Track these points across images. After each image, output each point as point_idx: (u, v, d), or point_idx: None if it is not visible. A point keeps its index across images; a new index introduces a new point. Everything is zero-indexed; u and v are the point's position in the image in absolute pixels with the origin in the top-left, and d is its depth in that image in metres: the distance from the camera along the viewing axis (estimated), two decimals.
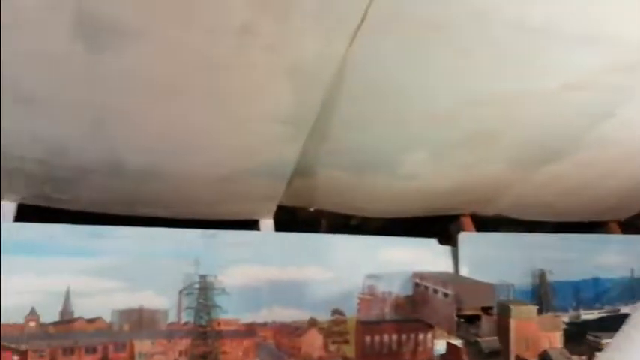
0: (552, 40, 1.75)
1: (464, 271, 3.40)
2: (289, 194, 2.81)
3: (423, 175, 2.73)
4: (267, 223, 3.08)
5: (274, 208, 2.97)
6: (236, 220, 3.04)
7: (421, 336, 3.26)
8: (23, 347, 2.36)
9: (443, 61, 1.74)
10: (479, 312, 2.57)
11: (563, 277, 3.74)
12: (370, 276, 3.23)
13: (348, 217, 3.48)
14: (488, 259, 3.50)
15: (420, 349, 3.19)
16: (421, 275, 3.12)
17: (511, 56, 1.78)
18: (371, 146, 2.39)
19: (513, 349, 2.46)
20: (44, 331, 2.40)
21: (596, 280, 3.41)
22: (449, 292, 2.70)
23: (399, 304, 3.26)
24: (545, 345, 2.57)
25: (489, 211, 3.59)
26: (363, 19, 1.50)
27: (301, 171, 2.52)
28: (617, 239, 3.92)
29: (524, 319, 2.56)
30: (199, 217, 2.88)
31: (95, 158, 2.16)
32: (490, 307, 2.57)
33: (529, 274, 3.64)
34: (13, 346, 2.34)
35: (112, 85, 1.67)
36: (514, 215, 3.72)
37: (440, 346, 3.17)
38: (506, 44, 1.70)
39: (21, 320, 2.39)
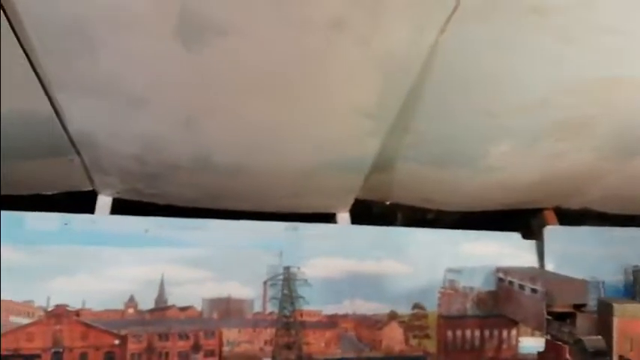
0: None
1: (549, 267, 3.27)
2: (366, 187, 2.80)
3: (507, 167, 2.63)
4: (344, 217, 3.08)
5: (352, 202, 2.96)
6: (313, 213, 3.07)
7: (505, 333, 3.17)
8: (123, 332, 2.50)
9: (541, 47, 1.66)
10: (570, 309, 2.45)
11: None
12: (451, 270, 3.18)
13: (424, 211, 3.44)
14: (575, 255, 3.36)
15: (504, 346, 3.09)
16: (505, 270, 3.02)
17: (613, 41, 1.67)
18: (454, 138, 2.33)
19: (616, 350, 2.31)
20: (141, 318, 2.53)
21: None
22: (538, 288, 2.60)
23: (481, 300, 3.19)
24: None
25: (575, 204, 3.45)
26: (457, 6, 1.45)
27: (380, 164, 2.50)
28: None
29: (629, 318, 2.40)
30: (279, 211, 2.92)
31: (185, 154, 2.24)
32: (583, 305, 2.45)
33: (621, 270, 3.42)
34: (114, 331, 2.47)
35: (206, 82, 1.72)
36: (601, 209, 3.57)
37: (525, 343, 3.08)
38: (610, 28, 1.59)
39: (121, 307, 2.54)
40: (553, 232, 3.34)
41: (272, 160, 2.32)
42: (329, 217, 3.10)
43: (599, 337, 2.32)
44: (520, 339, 3.21)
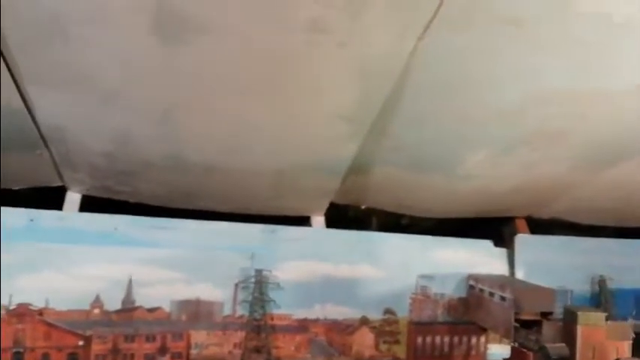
0: (633, 39, 1.66)
1: (520, 275, 3.30)
2: (342, 191, 2.79)
3: (482, 175, 2.65)
4: (318, 220, 3.06)
5: (327, 205, 2.95)
6: (287, 216, 3.05)
7: (474, 339, 3.20)
8: (88, 333, 2.44)
9: (517, 56, 1.69)
10: (538, 317, 2.49)
11: (624, 284, 3.58)
12: (423, 276, 3.18)
13: (398, 216, 3.44)
14: (545, 264, 3.39)
15: (473, 352, 3.12)
16: (476, 278, 3.06)
17: (588, 53, 1.70)
18: (432, 143, 2.34)
19: (579, 357, 2.36)
20: (108, 319, 2.47)
21: None
22: (507, 295, 2.64)
23: (451, 306, 3.21)
24: (612, 354, 2.46)
25: (546, 213, 3.48)
26: (436, 13, 1.46)
27: (357, 168, 2.49)
28: None
29: (592, 326, 2.45)
30: (253, 212, 2.89)
31: (158, 152, 2.21)
32: (550, 313, 2.49)
33: (588, 280, 3.50)
34: (79, 331, 2.41)
35: (182, 80, 1.70)
36: (571, 219, 3.60)
37: (493, 350, 3.11)
38: (585, 41, 1.63)
39: (86, 307, 2.48)
40: (524, 240, 3.38)
41: (246, 160, 2.29)
42: (303, 221, 3.10)
43: (563, 344, 2.36)
44: (488, 346, 3.24)
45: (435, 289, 3.20)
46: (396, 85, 1.79)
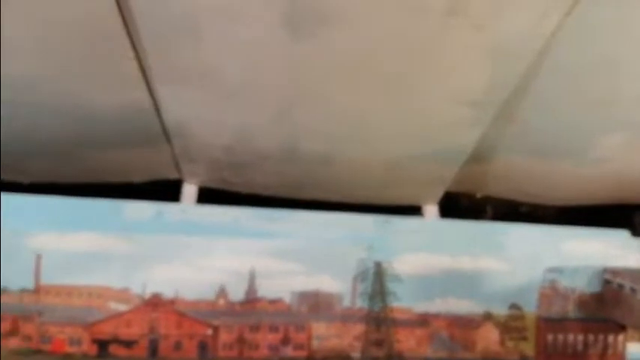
0: None
1: None
2: (457, 179, 2.77)
3: (617, 159, 2.53)
4: (431, 210, 3.04)
5: (441, 194, 2.92)
6: (398, 205, 3.06)
7: (611, 338, 3.04)
8: (215, 323, 2.61)
9: None
10: None
11: None
12: (552, 269, 3.08)
13: (516, 205, 3.34)
14: None
15: (610, 352, 2.94)
16: (614, 271, 2.88)
17: None
18: (562, 128, 2.24)
19: None
20: (232, 309, 2.63)
21: None
22: None
23: (583, 302, 3.09)
24: None
25: None
26: None
27: (477, 156, 2.44)
28: None
29: None
30: (364, 202, 2.92)
31: (275, 144, 2.28)
32: None
33: None
34: (207, 321, 2.59)
35: (304, 72, 1.74)
36: None
37: (634, 349, 2.91)
38: None
39: (212, 297, 2.65)
40: None
41: (362, 150, 2.31)
42: (415, 210, 3.09)
43: None
44: (628, 345, 3.12)
45: (565, 282, 3.10)
46: (531, 67, 1.72)
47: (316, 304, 2.77)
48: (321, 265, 2.79)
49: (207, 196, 2.84)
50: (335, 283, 2.87)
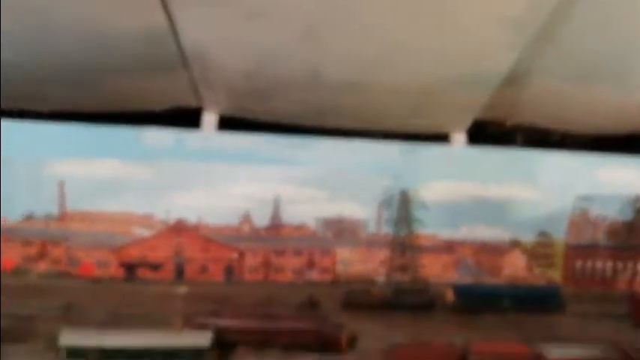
0: None
1: None
2: (487, 106, 2.68)
3: None
4: (459, 138, 2.96)
5: (470, 122, 2.83)
6: (424, 134, 3.01)
7: None
8: (241, 247, 2.68)
9: None
10: None
11: None
12: (583, 198, 3.12)
13: (547, 133, 3.17)
14: None
15: (638, 279, 2.94)
16: None
17: None
18: (604, 52, 2.13)
19: None
20: (257, 234, 2.69)
21: None
22: None
23: (614, 230, 3.11)
24: None
25: None
26: None
27: (511, 80, 2.34)
28: None
29: None
30: (389, 131, 2.88)
31: (298, 70, 2.23)
32: None
33: None
34: (231, 245, 2.66)
35: None
36: None
37: None
38: None
39: (236, 223, 2.69)
40: None
41: (389, 76, 2.24)
42: (442, 139, 3.02)
43: None
44: None
45: (596, 211, 3.01)
46: None
47: (341, 229, 2.81)
48: (345, 192, 2.82)
49: (228, 124, 2.82)
50: (360, 209, 2.94)
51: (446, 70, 2.19)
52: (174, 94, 2.66)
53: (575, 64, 2.25)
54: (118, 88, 2.52)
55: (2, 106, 2.54)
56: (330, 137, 2.83)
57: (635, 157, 3.09)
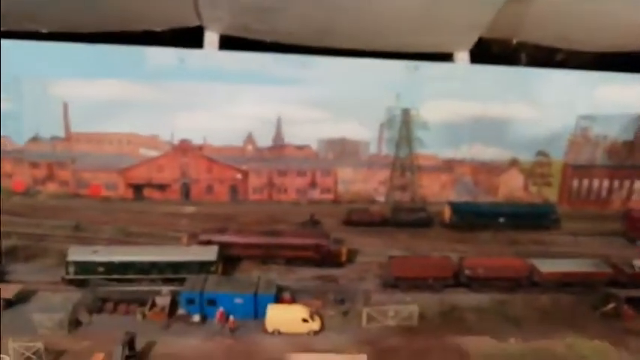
0: None
1: None
2: (493, 24, 2.89)
3: None
4: (462, 56, 3.28)
5: (475, 40, 2.99)
6: (428, 53, 3.70)
7: (637, 184, 2.90)
8: (245, 168, 3.02)
9: None
10: None
11: None
12: (584, 117, 2.67)
13: (552, 51, 3.23)
14: None
15: (634, 197, 2.84)
16: None
17: None
18: None
19: None
20: (260, 155, 2.39)
21: None
22: None
23: (614, 149, 2.53)
24: None
25: None
26: None
27: None
28: None
29: None
30: (393, 50, 3.06)
31: None
32: None
33: None
34: (235, 165, 3.13)
35: None
36: None
37: None
38: None
39: (240, 144, 2.85)
40: None
41: None
42: (445, 58, 3.49)
43: None
44: None
45: (596, 130, 2.65)
46: None
47: (342, 150, 1.99)
48: (348, 113, 2.31)
49: (230, 45, 2.87)
50: (362, 130, 2.32)
51: None
52: (175, 13, 2.75)
53: None
54: (119, 8, 2.53)
55: (3, 27, 2.82)
56: (333, 57, 2.91)
57: (637, 74, 3.15)
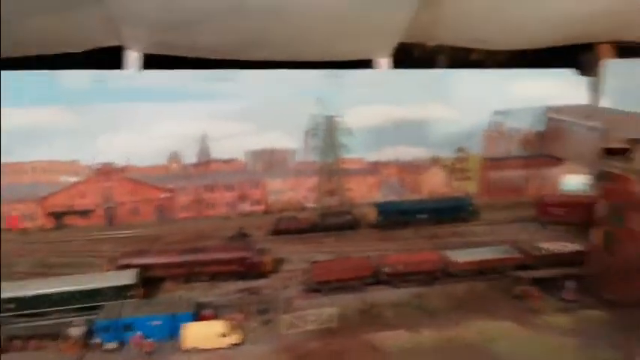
0: None
1: (607, 104, 3.08)
2: (410, 29, 2.92)
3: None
4: (383, 62, 3.18)
5: (394, 45, 3.06)
6: (350, 61, 3.23)
7: (548, 172, 2.85)
8: (170, 186, 2.47)
9: None
10: (626, 145, 2.34)
11: None
12: (498, 112, 3.07)
13: (469, 52, 3.50)
14: (636, 89, 3.14)
15: (546, 184, 3.03)
16: (557, 109, 2.58)
17: None
18: None
19: None
20: (186, 172, 2.20)
21: None
22: (593, 124, 2.23)
23: (527, 141, 3.01)
24: None
25: (632, 37, 3.52)
26: None
27: (429, 1, 2.53)
28: None
29: None
30: (315, 59, 3.02)
31: None
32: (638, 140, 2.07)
33: None
34: (161, 185, 2.58)
35: None
36: None
37: (569, 180, 3.23)
38: None
39: (164, 162, 2.46)
40: (612, 67, 3.12)
41: (312, 1, 2.13)
42: (366, 65, 3.30)
43: None
44: (564, 177, 3.19)
45: (510, 124, 3.00)
46: None
47: (270, 161, 1.98)
48: (273, 123, 2.51)
49: (153, 64, 2.75)
50: (288, 139, 2.51)
51: None
52: (94, 33, 2.62)
53: None
54: (35, 31, 2.40)
55: None
56: (254, 69, 2.86)
57: (546, 70, 3.23)
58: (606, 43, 4.34)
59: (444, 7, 3.07)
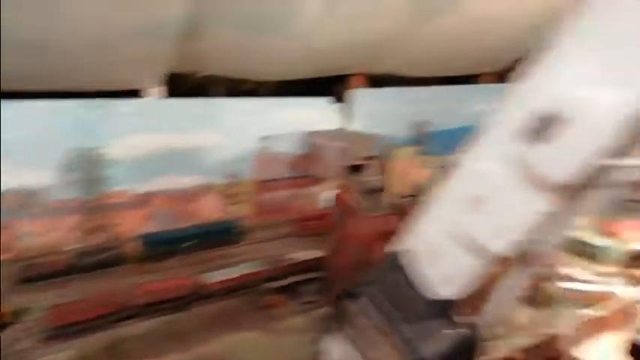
0: None
1: (358, 127, 3.93)
2: (179, 59, 0.77)
3: (315, 33, 1.32)
4: (153, 93, 0.94)
5: (162, 75, 0.82)
6: (121, 91, 0.77)
7: (312, 189, 4.04)
8: None
9: None
10: (362, 161, 2.96)
11: (442, 126, 4.32)
12: (265, 138, 1.59)
13: (240, 82, 2.30)
14: (380, 115, 3.91)
15: (310, 200, 4.23)
16: (315, 133, 3.47)
17: None
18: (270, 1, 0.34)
19: (391, 185, 2.68)
20: None
21: (471, 128, 2.69)
22: (337, 145, 2.89)
23: (295, 163, 1.90)
24: (416, 179, 2.89)
25: (379, 69, 3.99)
26: None
27: (193, 31, 0.74)
28: (492, 88, 4.40)
29: (402, 160, 2.64)
30: (79, 89, 0.72)
31: None
32: (372, 157, 3.03)
33: (413, 125, 4.13)
34: None
35: None
36: (403, 72, 4.27)
37: (327, 195, 3.97)
38: None
39: None
40: (359, 94, 3.77)
41: (73, 29, 0.64)
42: (137, 95, 1.24)
43: (379, 177, 2.85)
44: (323, 193, 3.93)
45: (277, 148, 1.64)
46: None
47: (20, 201, 0.28)
48: (27, 159, 0.39)
49: None
50: (43, 176, 0.42)
51: (120, 21, 0.53)
52: None
53: (241, 13, 0.56)
54: None
55: None
56: (10, 101, 0.52)
57: (305, 99, 2.51)
58: (357, 74, 4.63)
59: (204, 40, 3.11)
